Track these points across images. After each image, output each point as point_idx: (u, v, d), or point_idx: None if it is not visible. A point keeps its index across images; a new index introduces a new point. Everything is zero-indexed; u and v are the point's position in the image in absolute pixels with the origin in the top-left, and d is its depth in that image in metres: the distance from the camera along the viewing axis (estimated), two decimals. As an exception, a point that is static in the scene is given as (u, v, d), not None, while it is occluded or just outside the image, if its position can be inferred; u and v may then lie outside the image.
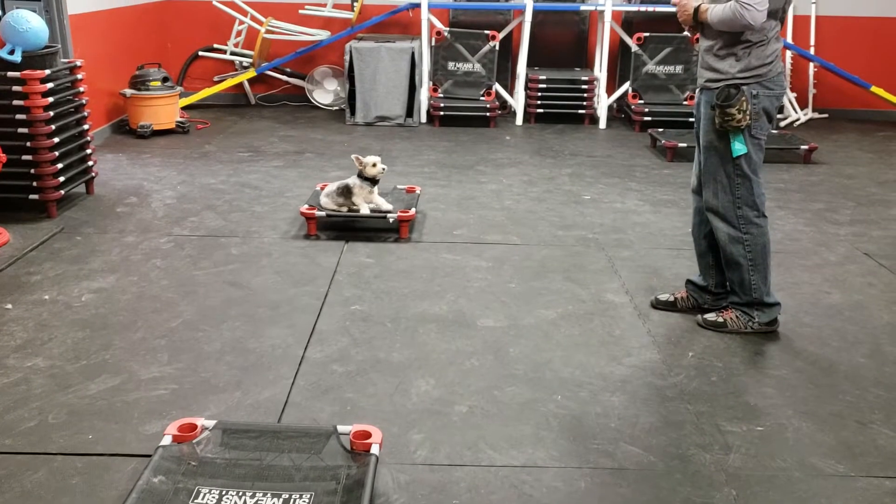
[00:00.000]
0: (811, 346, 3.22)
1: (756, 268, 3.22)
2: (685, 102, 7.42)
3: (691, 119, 7.12)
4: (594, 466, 2.45)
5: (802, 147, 6.32)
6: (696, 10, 3.10)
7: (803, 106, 8.00)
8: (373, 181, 4.33)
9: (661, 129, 6.71)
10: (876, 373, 3.06)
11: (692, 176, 3.46)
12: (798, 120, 7.83)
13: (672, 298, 3.55)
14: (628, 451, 2.53)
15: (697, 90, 3.26)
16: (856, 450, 2.56)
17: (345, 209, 4.38)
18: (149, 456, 2.30)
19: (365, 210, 4.34)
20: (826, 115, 7.95)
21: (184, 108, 7.17)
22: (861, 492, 2.36)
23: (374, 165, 4.29)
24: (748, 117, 3.04)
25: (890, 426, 2.70)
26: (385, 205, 4.39)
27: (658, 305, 3.55)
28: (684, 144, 6.23)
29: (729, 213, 3.19)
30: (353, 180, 4.34)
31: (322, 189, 4.77)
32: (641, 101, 7.41)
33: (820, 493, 2.35)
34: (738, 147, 3.09)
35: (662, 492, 2.34)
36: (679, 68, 7.46)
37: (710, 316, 3.36)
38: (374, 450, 2.29)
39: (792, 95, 7.75)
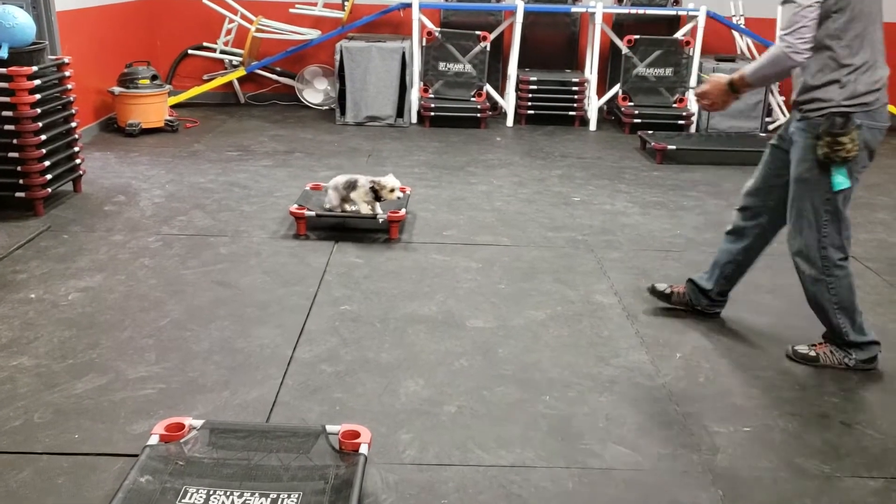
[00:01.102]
0: (660, 289, 3.27)
1: (843, 310, 3.02)
2: (675, 105, 7.46)
3: (681, 122, 7.27)
4: (582, 466, 2.46)
5: (790, 150, 6.34)
6: (731, 83, 2.97)
7: (791, 109, 8.03)
8: (378, 198, 4.34)
9: (650, 132, 6.73)
10: (861, 373, 3.08)
11: (745, 195, 3.28)
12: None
13: (669, 290, 3.52)
14: (616, 452, 2.53)
15: (793, 120, 3.01)
16: (841, 450, 2.58)
17: (341, 209, 4.40)
18: (136, 456, 2.29)
19: (363, 210, 4.35)
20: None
21: (173, 107, 7.14)
22: (846, 492, 2.38)
23: (392, 191, 4.29)
24: (857, 148, 2.80)
25: (874, 427, 2.72)
26: (365, 210, 4.39)
27: (653, 293, 3.54)
28: (673, 147, 6.26)
29: (812, 254, 2.97)
30: (363, 180, 4.33)
31: (313, 189, 4.77)
32: (631, 104, 7.43)
33: (805, 493, 2.37)
34: (841, 181, 2.84)
35: (650, 492, 2.35)
36: (669, 71, 7.48)
37: (802, 349, 3.15)
38: (363, 449, 2.29)
39: (780, 98, 7.79)
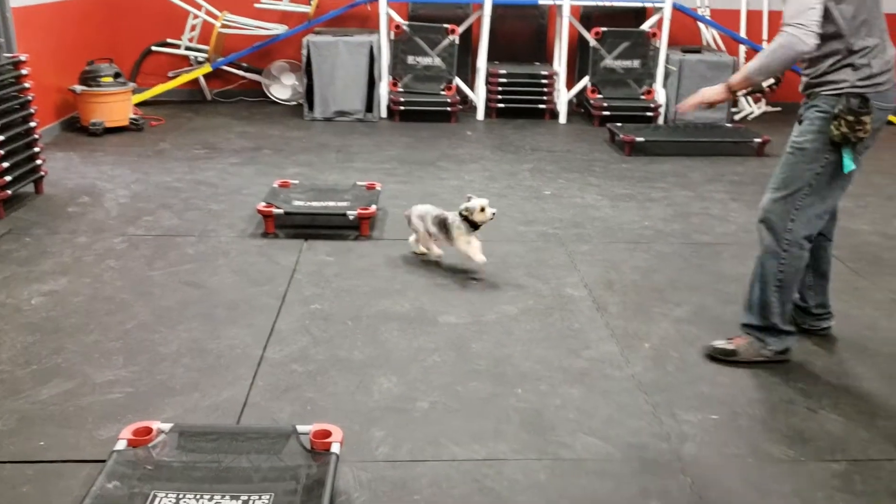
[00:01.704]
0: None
1: (781, 291, 3.00)
2: (643, 97, 7.50)
3: (649, 113, 7.32)
4: (554, 458, 2.47)
5: (756, 140, 6.43)
6: (730, 87, 2.95)
7: (757, 100, 8.14)
8: (475, 226, 3.83)
9: (619, 124, 6.77)
10: (826, 360, 3.13)
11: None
12: (752, 113, 7.96)
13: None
14: (587, 442, 2.55)
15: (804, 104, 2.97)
16: (805, 435, 2.63)
17: (431, 246, 4.00)
18: (103, 461, 2.25)
19: (476, 257, 3.81)
20: (779, 109, 8.09)
21: (137, 105, 7.04)
22: (810, 475, 2.42)
23: (483, 210, 3.76)
24: (871, 129, 2.79)
25: (838, 412, 2.77)
26: (478, 256, 3.81)
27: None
28: (641, 139, 6.30)
29: (779, 224, 2.94)
30: (452, 217, 3.83)
31: (281, 186, 4.73)
32: (600, 96, 7.47)
33: (772, 478, 2.40)
34: (850, 162, 2.83)
35: (620, 481, 2.37)
36: (637, 63, 7.53)
37: (720, 343, 3.13)
38: (335, 448, 2.28)
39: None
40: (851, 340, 3.31)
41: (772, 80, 3.05)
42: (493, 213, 3.79)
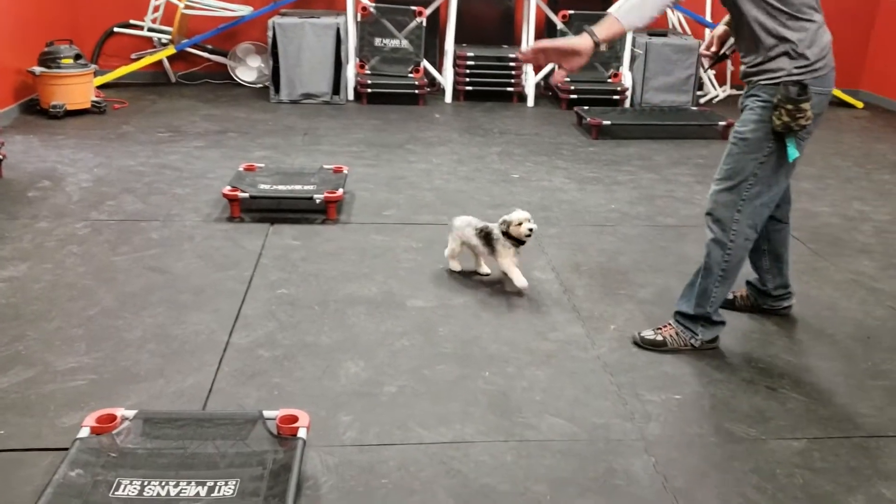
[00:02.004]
0: (726, 316, 3.33)
1: (724, 281, 3.00)
2: (610, 80, 7.53)
3: (615, 97, 7.36)
4: (520, 439, 2.50)
5: (720, 123, 6.50)
6: (596, 42, 2.74)
7: (722, 83, 8.22)
8: (519, 242, 3.53)
9: (586, 108, 6.80)
10: (786, 340, 3.20)
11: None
12: (717, 97, 8.04)
13: (731, 296, 3.38)
14: (553, 423, 2.58)
15: (744, 93, 2.93)
16: (767, 414, 2.68)
17: (478, 262, 3.70)
18: (66, 449, 2.23)
19: (518, 281, 3.48)
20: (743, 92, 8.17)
21: (99, 87, 6.90)
22: (771, 453, 2.47)
23: (521, 224, 3.45)
24: (812, 115, 2.76)
25: (798, 390, 2.83)
26: (520, 279, 3.48)
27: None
28: (608, 122, 6.34)
29: (725, 214, 2.93)
30: (496, 230, 3.52)
31: (246, 170, 4.68)
32: (568, 79, 7.48)
33: (734, 456, 2.45)
34: (794, 150, 2.81)
35: (586, 461, 2.40)
36: (603, 46, 7.53)
37: (648, 334, 3.12)
38: (302, 433, 2.28)
39: (711, 72, 7.93)
40: (811, 321, 3.37)
41: (731, 43, 3.01)
42: (531, 230, 3.46)
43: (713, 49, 3.20)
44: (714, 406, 2.72)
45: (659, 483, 2.32)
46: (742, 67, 2.91)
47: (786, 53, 2.74)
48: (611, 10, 2.77)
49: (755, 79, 2.84)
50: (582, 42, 2.72)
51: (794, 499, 2.27)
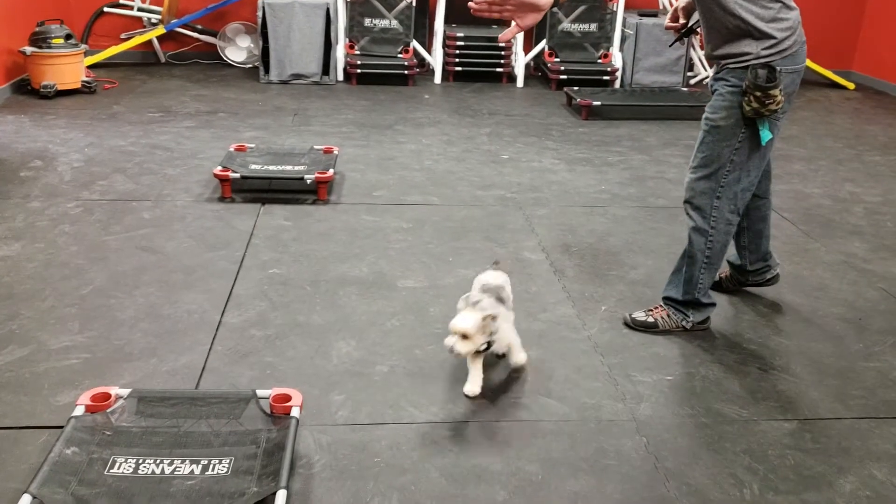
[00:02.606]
0: (716, 297, 3.35)
1: (709, 267, 2.99)
2: (600, 61, 7.52)
3: (605, 77, 7.35)
4: (511, 419, 2.52)
5: (712, 105, 6.50)
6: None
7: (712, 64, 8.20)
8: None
9: (576, 88, 6.79)
10: (777, 321, 3.22)
11: None
12: (707, 78, 8.04)
13: (717, 278, 3.33)
14: (544, 404, 2.60)
15: (711, 76, 2.89)
16: (758, 395, 2.71)
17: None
18: (61, 427, 2.24)
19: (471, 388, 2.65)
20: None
21: (90, 67, 6.84)
22: (762, 434, 2.50)
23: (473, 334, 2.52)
24: (783, 98, 2.68)
25: (788, 372, 2.86)
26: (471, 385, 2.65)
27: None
28: (598, 103, 6.33)
29: (704, 201, 2.89)
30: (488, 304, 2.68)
31: (237, 150, 4.66)
32: (557, 60, 7.47)
33: (725, 436, 2.48)
34: (767, 133, 2.75)
35: (577, 442, 2.43)
36: (594, 26, 7.53)
37: (639, 315, 3.11)
38: (295, 412, 2.30)
39: (701, 53, 7.93)
40: (802, 302, 3.40)
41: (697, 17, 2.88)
42: (452, 350, 2.51)
43: (681, 21, 3.11)
44: (705, 387, 2.74)
45: (650, 463, 2.35)
46: (706, 49, 2.83)
47: (748, 34, 2.65)
48: None
49: (722, 62, 2.76)
50: None
51: (786, 479, 2.30)
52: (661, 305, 3.14)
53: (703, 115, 2.89)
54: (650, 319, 3.10)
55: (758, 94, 2.66)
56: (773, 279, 3.40)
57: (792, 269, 3.68)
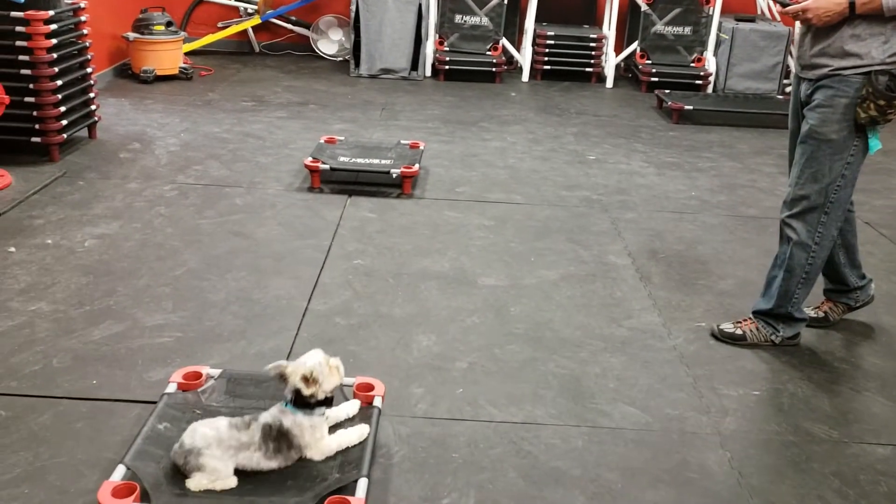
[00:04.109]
0: (811, 314, 3.24)
1: (807, 282, 2.89)
2: (693, 64, 7.35)
3: (698, 81, 7.17)
4: (592, 425, 2.49)
5: (809, 113, 6.27)
6: (853, 3, 2.52)
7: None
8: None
9: (667, 91, 6.65)
10: (872, 342, 3.09)
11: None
12: (806, 85, 7.75)
13: (821, 314, 3.18)
14: (626, 412, 2.56)
15: (802, 81, 2.81)
16: (849, 416, 2.60)
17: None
18: (153, 403, 2.33)
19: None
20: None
21: (187, 54, 7.08)
22: (854, 458, 2.40)
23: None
24: None
25: (883, 394, 2.74)
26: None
27: (810, 324, 3.12)
28: (690, 107, 6.19)
29: (811, 218, 2.79)
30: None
31: (327, 142, 4.74)
32: (649, 62, 7.33)
33: (813, 457, 2.39)
34: (877, 142, 2.66)
35: (659, 452, 2.38)
36: (688, 30, 7.36)
37: (727, 327, 3.03)
38: (377, 402, 2.32)
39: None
40: (899, 323, 3.26)
41: None
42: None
43: None
44: (793, 404, 2.65)
45: (734, 479, 2.29)
46: (814, 49, 2.68)
47: (881, 35, 2.51)
48: None
49: (837, 63, 2.61)
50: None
51: (876, 505, 2.21)
52: (750, 318, 3.05)
53: (808, 128, 2.77)
54: (738, 331, 3.02)
55: (881, 102, 2.55)
56: (873, 295, 3.25)
57: (890, 287, 3.52)
